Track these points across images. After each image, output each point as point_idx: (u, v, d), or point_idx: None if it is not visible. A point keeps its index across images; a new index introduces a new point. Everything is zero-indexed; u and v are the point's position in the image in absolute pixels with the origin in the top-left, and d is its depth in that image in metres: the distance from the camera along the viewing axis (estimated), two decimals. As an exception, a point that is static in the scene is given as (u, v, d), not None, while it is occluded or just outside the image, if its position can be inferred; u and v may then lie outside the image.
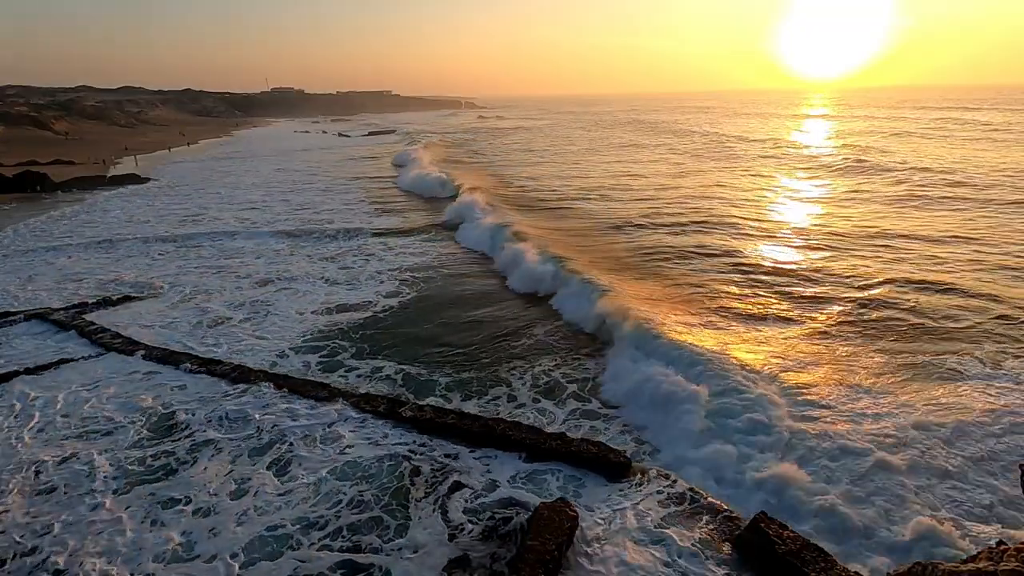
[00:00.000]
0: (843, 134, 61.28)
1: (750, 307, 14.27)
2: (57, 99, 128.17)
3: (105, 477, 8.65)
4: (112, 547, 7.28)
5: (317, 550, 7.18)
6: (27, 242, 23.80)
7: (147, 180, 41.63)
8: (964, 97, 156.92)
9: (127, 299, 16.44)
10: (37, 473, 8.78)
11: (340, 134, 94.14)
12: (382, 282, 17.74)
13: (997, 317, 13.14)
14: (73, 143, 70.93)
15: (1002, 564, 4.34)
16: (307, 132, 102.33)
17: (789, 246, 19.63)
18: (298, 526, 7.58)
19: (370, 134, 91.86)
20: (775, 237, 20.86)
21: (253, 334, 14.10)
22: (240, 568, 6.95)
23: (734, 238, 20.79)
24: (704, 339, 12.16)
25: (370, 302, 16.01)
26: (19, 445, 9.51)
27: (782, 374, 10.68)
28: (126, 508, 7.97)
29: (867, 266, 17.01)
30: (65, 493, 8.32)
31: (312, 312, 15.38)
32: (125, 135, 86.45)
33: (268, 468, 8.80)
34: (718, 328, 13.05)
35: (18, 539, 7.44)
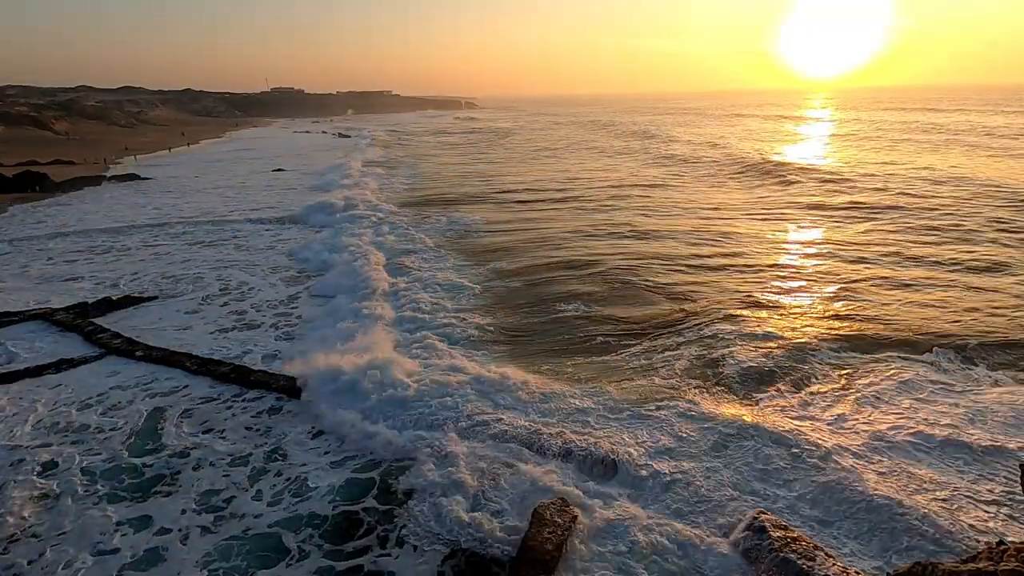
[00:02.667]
0: (776, 135, 64.14)
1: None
2: (57, 99, 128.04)
3: (85, 485, 8.52)
4: (77, 559, 7.11)
5: (303, 554, 7.16)
6: (20, 236, 23.81)
7: (148, 180, 41.62)
8: (950, 97, 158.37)
9: (128, 299, 16.35)
10: (15, 481, 8.60)
11: (340, 134, 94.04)
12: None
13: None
14: (73, 143, 70.90)
15: (1002, 564, 4.33)
16: (307, 132, 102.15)
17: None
18: (287, 528, 7.60)
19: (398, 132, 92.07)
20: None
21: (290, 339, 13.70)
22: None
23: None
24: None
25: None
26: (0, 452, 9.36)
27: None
28: (99, 519, 7.79)
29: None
30: (39, 502, 8.14)
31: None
32: (125, 135, 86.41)
33: (258, 472, 8.81)
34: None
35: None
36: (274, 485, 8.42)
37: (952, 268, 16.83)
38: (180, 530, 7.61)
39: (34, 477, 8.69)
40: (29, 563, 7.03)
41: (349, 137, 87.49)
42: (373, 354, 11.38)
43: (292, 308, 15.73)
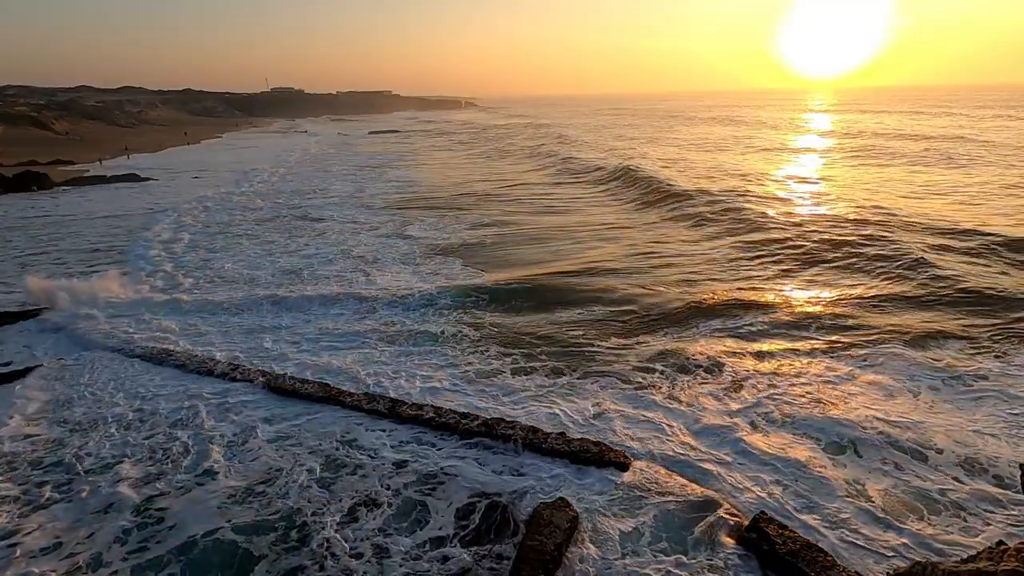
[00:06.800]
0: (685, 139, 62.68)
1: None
2: (57, 99, 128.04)
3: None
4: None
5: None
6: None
7: (147, 180, 41.56)
8: (937, 98, 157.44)
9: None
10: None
11: (340, 134, 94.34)
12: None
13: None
14: (73, 143, 70.89)
15: (1002, 564, 4.33)
16: (304, 132, 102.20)
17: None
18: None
19: (370, 133, 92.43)
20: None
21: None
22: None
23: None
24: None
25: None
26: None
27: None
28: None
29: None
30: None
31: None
32: (125, 135, 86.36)
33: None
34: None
35: None
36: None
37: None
38: None
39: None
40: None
41: (348, 135, 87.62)
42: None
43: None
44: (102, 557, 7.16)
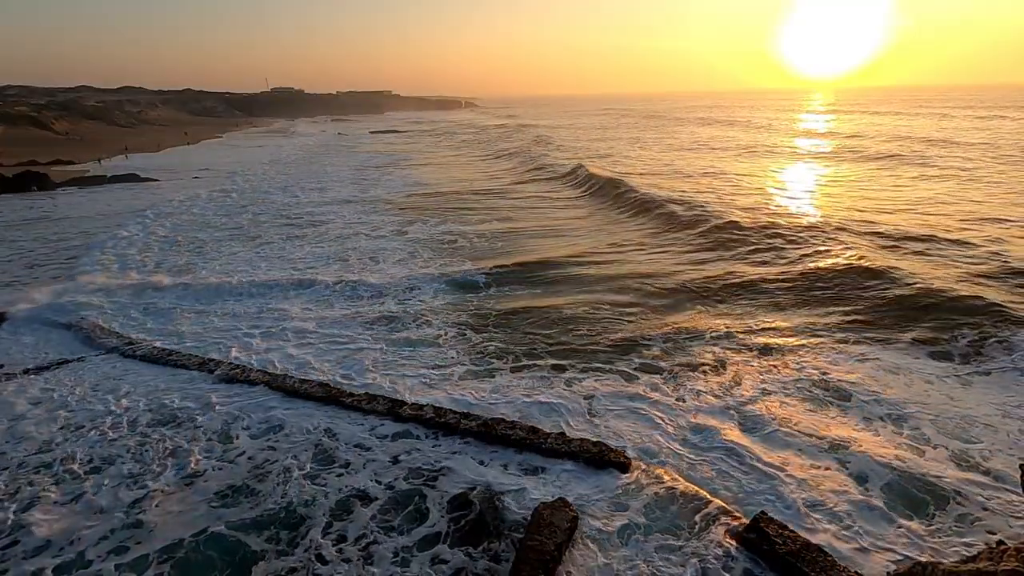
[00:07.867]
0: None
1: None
2: (57, 99, 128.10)
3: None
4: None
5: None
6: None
7: (147, 180, 41.57)
8: (935, 98, 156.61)
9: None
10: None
11: (339, 133, 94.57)
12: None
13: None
14: (73, 143, 70.89)
15: (1002, 564, 4.32)
16: (297, 130, 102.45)
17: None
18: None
19: (371, 133, 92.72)
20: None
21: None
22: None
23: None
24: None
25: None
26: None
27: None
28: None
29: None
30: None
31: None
32: (125, 135, 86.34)
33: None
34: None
35: None
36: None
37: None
38: None
39: None
40: None
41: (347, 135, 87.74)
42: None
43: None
44: (85, 555, 7.17)
